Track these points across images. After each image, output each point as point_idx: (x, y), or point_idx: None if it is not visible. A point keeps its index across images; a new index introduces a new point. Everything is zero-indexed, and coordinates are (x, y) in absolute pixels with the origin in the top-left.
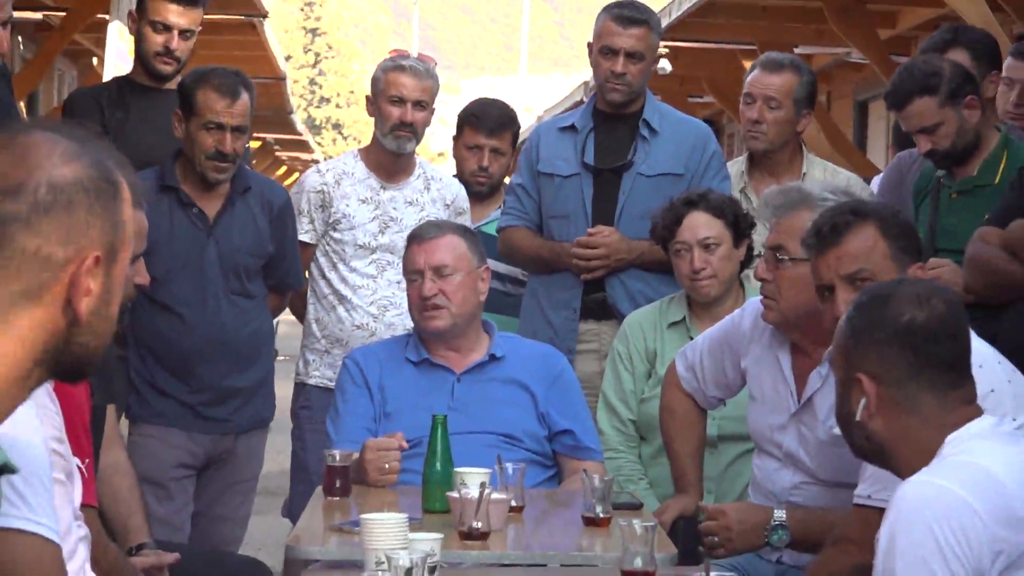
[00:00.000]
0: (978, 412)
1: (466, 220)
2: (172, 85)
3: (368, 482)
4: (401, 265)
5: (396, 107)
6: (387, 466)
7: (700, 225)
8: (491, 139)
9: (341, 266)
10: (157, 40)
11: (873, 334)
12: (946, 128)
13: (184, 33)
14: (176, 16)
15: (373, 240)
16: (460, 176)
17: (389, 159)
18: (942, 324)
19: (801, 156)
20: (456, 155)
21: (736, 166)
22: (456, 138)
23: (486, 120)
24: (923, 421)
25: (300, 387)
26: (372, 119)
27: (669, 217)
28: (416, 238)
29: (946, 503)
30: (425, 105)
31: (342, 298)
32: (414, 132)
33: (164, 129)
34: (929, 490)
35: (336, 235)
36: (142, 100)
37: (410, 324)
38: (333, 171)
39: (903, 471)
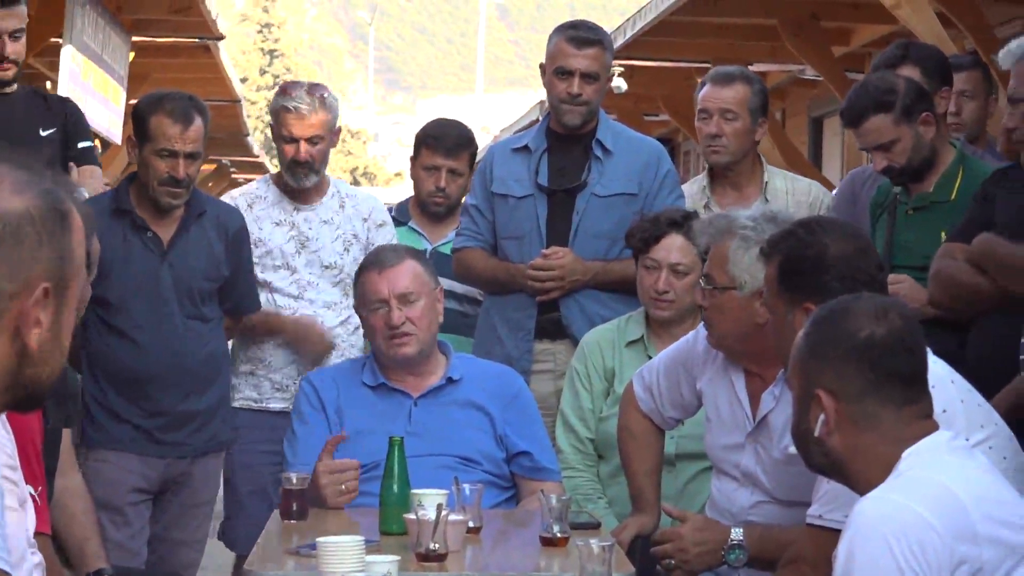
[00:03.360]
0: (935, 427)
1: (387, 232)
2: (10, 90)
3: (326, 505)
4: (320, 287)
5: (289, 145)
6: (344, 487)
7: (676, 248)
8: (448, 160)
9: (262, 289)
10: None
11: (831, 350)
12: (902, 145)
13: (13, 35)
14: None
15: (291, 260)
16: (417, 196)
17: (297, 188)
18: (899, 338)
19: (761, 167)
20: (413, 176)
21: (697, 183)
22: (414, 159)
23: (444, 141)
24: (881, 436)
25: None
26: None
27: (649, 231)
28: (376, 265)
29: (903, 519)
30: (318, 140)
31: None
32: (311, 167)
33: (10, 135)
34: (886, 506)
35: (255, 259)
36: None
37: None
38: (245, 196)
39: (860, 487)
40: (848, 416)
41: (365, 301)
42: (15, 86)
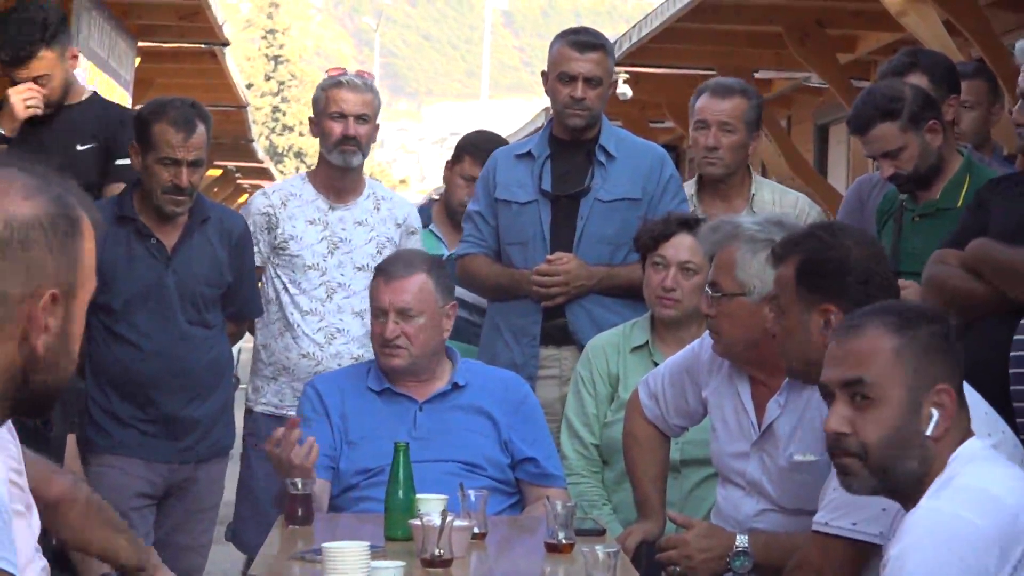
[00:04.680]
0: (972, 432)
1: (418, 239)
2: (74, 100)
3: (294, 474)
4: (352, 288)
5: (338, 122)
6: (292, 458)
7: (686, 247)
8: None
9: (292, 288)
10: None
11: (949, 345)
12: (909, 152)
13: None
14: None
15: (323, 261)
16: (447, 202)
17: (337, 178)
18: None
19: (750, 178)
20: (448, 180)
21: (686, 190)
22: (452, 164)
23: (488, 153)
24: (954, 438)
25: (248, 413)
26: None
27: (659, 230)
28: (384, 274)
29: (954, 528)
30: (367, 119)
31: (289, 325)
32: (358, 146)
33: (49, 149)
34: (938, 516)
35: (285, 257)
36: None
37: (356, 352)
38: (279, 193)
39: (920, 493)
40: (955, 411)
41: (371, 305)
42: (87, 95)
